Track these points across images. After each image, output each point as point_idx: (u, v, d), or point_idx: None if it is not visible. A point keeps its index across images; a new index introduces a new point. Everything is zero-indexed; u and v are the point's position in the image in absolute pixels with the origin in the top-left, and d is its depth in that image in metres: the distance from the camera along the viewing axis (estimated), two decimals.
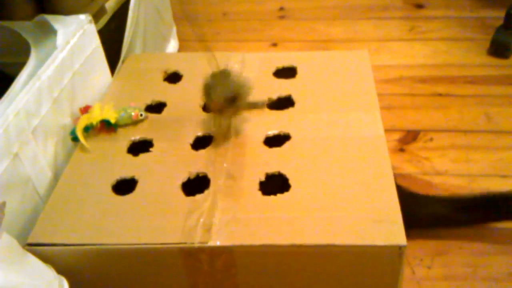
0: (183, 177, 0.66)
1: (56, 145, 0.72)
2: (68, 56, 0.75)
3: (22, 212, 0.64)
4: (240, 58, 0.88)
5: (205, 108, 0.77)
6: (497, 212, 0.83)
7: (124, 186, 0.66)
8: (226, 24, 1.51)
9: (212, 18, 1.54)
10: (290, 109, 0.76)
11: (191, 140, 0.72)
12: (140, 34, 1.05)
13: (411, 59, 1.30)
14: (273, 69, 0.85)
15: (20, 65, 0.71)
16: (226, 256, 0.58)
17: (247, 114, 0.73)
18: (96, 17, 0.84)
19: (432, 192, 0.92)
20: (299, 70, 0.84)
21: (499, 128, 1.06)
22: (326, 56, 0.89)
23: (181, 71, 0.87)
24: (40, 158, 0.68)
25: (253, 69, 0.85)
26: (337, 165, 0.65)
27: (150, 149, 0.71)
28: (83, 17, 0.80)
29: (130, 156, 0.71)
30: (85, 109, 0.75)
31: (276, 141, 0.71)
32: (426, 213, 0.83)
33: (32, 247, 0.58)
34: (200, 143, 0.72)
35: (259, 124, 0.73)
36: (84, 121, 0.73)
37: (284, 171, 0.65)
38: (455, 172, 0.97)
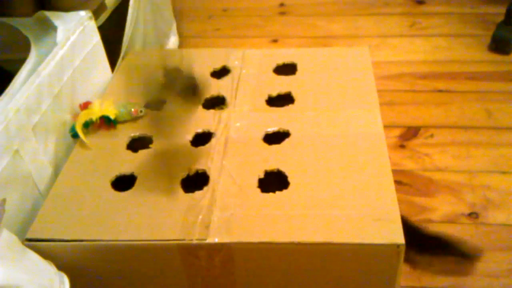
0: (182, 174, 0.66)
1: (57, 142, 0.72)
2: (68, 52, 0.75)
3: (22, 209, 0.64)
4: (240, 55, 0.88)
5: (204, 105, 0.77)
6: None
7: (123, 183, 0.66)
8: (226, 20, 1.50)
9: (212, 14, 1.54)
10: (290, 106, 0.76)
11: (190, 136, 0.72)
12: (140, 30, 1.05)
13: (411, 55, 1.30)
14: (273, 66, 0.85)
15: (20, 62, 0.71)
16: (225, 253, 0.58)
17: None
18: (96, 13, 0.84)
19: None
20: (299, 67, 0.84)
21: (499, 124, 1.06)
22: (326, 53, 0.89)
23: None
24: (40, 155, 0.68)
25: (253, 65, 0.85)
26: (336, 162, 0.65)
27: (150, 145, 0.71)
28: (83, 13, 0.80)
29: (129, 153, 0.71)
30: (85, 105, 0.75)
31: (275, 138, 0.71)
32: None
33: (31, 243, 0.59)
34: (200, 139, 0.72)
35: (258, 121, 0.73)
36: (83, 117, 0.73)
37: (283, 169, 0.65)
38: (455, 168, 0.97)
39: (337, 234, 0.56)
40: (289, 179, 0.64)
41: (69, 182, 0.67)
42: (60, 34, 0.76)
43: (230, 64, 0.85)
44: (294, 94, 0.78)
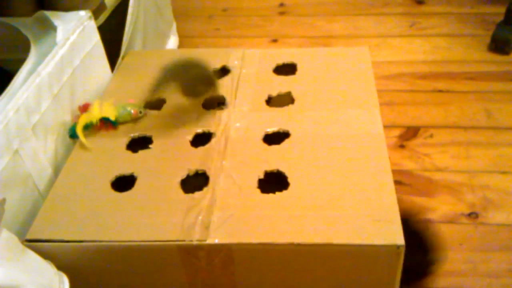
0: (182, 174, 0.66)
1: (56, 142, 0.72)
2: (68, 52, 0.75)
3: (22, 209, 0.64)
4: (240, 55, 0.88)
5: (204, 105, 0.77)
6: None
7: (123, 183, 0.66)
8: (226, 20, 1.50)
9: (212, 14, 1.54)
10: (290, 106, 0.76)
11: (190, 137, 0.72)
12: (140, 30, 1.05)
13: (411, 55, 1.30)
14: (273, 66, 0.85)
15: (20, 62, 0.71)
16: (225, 254, 0.58)
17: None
18: (96, 13, 0.84)
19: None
20: (299, 67, 0.84)
21: (499, 124, 1.06)
22: (326, 53, 0.89)
23: None
24: (40, 155, 0.68)
25: (253, 65, 0.85)
26: (336, 163, 0.65)
27: (150, 145, 0.71)
28: (83, 13, 0.80)
29: (129, 153, 0.71)
30: (84, 108, 0.75)
31: (275, 138, 0.71)
32: None
33: (31, 243, 0.58)
34: (200, 140, 0.72)
35: (258, 121, 0.73)
36: (84, 120, 0.73)
37: (283, 169, 0.65)
38: (455, 168, 0.97)
39: (337, 235, 0.56)
40: (289, 180, 0.64)
41: (69, 182, 0.67)
42: (60, 34, 0.76)
43: (230, 64, 0.85)
44: (294, 94, 0.78)
